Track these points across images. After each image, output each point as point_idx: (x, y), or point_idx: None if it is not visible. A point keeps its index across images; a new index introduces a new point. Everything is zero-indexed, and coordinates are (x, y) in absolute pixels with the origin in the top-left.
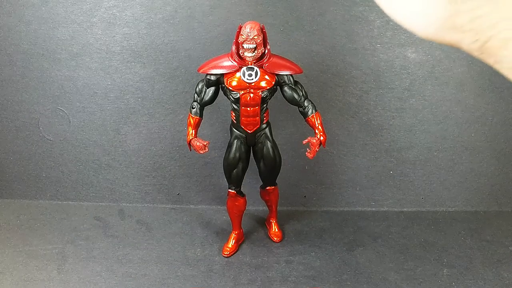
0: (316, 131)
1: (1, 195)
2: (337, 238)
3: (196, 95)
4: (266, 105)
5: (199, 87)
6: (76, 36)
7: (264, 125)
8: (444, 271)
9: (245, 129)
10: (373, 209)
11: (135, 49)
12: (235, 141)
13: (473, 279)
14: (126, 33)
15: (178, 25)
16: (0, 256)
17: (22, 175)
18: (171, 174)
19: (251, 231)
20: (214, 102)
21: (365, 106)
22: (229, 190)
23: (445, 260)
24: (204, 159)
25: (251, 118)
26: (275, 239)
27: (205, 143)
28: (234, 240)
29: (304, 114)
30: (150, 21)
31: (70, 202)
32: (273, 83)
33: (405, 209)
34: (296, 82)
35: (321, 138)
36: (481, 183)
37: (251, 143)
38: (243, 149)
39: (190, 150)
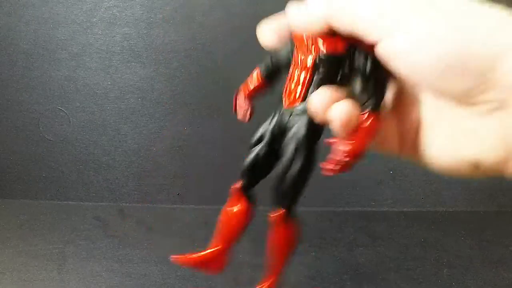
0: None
1: (1, 195)
2: (337, 238)
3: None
4: None
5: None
6: (76, 36)
7: None
8: (444, 271)
9: None
10: (373, 209)
11: (135, 49)
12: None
13: (473, 279)
14: (126, 33)
15: (178, 25)
16: (0, 256)
17: (22, 175)
18: (171, 174)
19: (251, 231)
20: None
21: None
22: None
23: (445, 260)
24: (204, 159)
25: None
26: None
27: (247, 108)
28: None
29: None
30: (150, 21)
31: (70, 202)
32: None
33: (405, 209)
34: None
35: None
36: (481, 183)
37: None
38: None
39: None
